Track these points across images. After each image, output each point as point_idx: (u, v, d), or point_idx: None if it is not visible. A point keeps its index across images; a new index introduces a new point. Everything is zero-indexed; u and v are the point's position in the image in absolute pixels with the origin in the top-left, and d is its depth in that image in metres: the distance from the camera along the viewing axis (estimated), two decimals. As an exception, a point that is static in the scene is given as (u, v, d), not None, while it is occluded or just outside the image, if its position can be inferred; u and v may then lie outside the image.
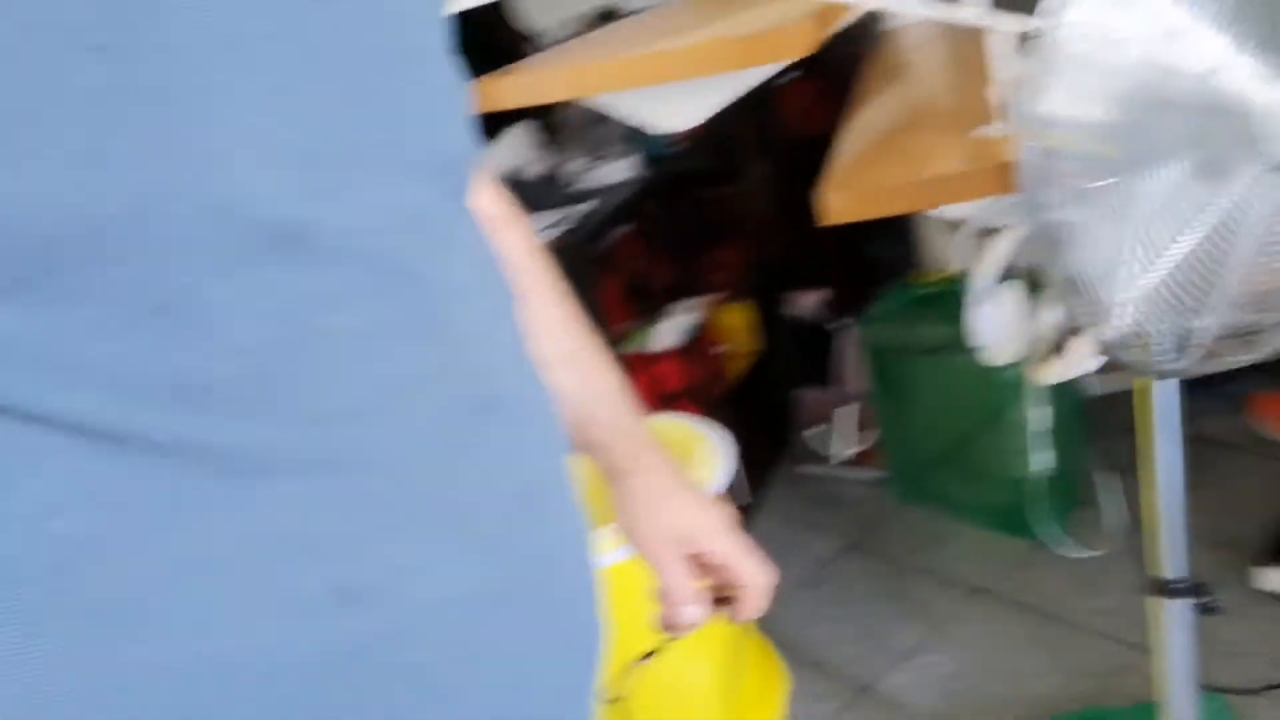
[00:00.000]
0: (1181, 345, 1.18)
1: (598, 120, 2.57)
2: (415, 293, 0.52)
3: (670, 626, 0.81)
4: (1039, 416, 2.30)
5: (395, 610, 0.50)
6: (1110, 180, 1.15)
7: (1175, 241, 1.13)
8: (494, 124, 2.53)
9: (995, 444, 2.35)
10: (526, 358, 0.62)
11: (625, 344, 2.22)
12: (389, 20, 0.53)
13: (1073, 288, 1.26)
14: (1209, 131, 1.03)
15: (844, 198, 1.36)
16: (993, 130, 1.43)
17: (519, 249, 0.76)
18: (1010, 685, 1.99)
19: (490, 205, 0.74)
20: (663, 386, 2.16)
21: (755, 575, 0.82)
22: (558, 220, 2.17)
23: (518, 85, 1.50)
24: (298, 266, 0.47)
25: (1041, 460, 2.33)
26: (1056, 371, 1.41)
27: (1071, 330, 1.41)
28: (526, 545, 0.57)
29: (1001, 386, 2.30)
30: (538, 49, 2.51)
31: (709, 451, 1.49)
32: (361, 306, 0.50)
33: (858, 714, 2.02)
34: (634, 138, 2.51)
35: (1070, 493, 2.37)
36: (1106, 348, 1.22)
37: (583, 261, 2.08)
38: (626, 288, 2.27)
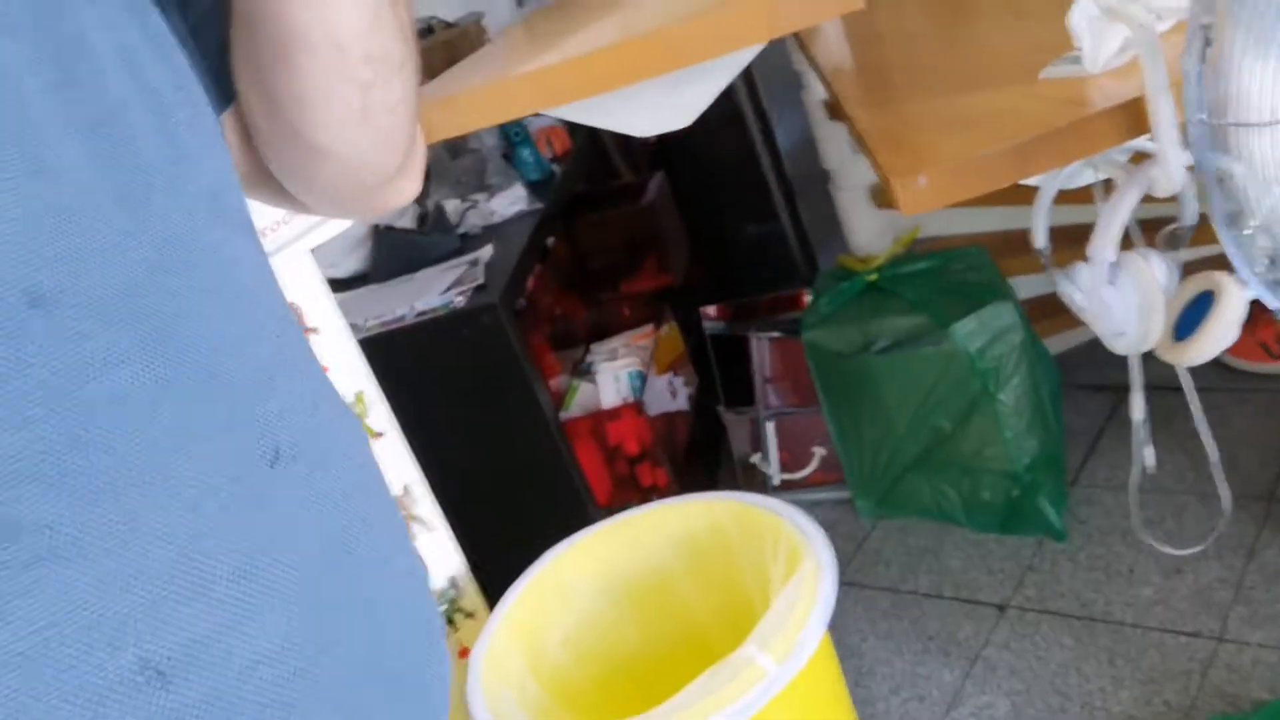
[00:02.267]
0: None
1: (457, 150, 2.19)
2: (184, 347, 0.51)
3: None
4: (1021, 399, 2.08)
5: (208, 679, 0.50)
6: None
7: None
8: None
9: (976, 438, 2.11)
10: (325, 399, 0.60)
11: (566, 406, 1.85)
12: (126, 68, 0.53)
13: (1257, 247, 0.99)
14: None
15: (932, 180, 1.06)
16: (1067, 67, 1.16)
17: None
18: (1085, 711, 1.74)
19: None
20: (624, 451, 1.82)
21: None
22: (458, 279, 1.78)
23: (462, 108, 1.12)
24: (56, 333, 0.47)
25: (1030, 446, 2.11)
26: (1200, 350, 1.14)
27: (1201, 296, 1.16)
28: (336, 594, 0.56)
29: (976, 373, 2.07)
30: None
31: (802, 546, 1.14)
32: (127, 368, 0.49)
33: (926, 785, 1.73)
34: (508, 166, 2.14)
35: (1061, 474, 2.16)
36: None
37: (507, 324, 1.70)
38: (550, 340, 1.90)
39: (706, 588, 1.25)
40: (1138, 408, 1.35)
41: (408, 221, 2.04)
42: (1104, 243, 1.10)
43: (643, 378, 1.91)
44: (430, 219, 2.01)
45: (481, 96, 1.14)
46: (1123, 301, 1.13)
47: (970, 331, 2.03)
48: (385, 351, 1.74)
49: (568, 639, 1.26)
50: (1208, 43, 0.96)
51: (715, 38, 1.04)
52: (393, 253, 1.95)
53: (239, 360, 0.54)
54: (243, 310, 0.56)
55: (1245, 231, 1.05)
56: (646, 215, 2.12)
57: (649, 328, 2.10)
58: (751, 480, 2.51)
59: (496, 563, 1.57)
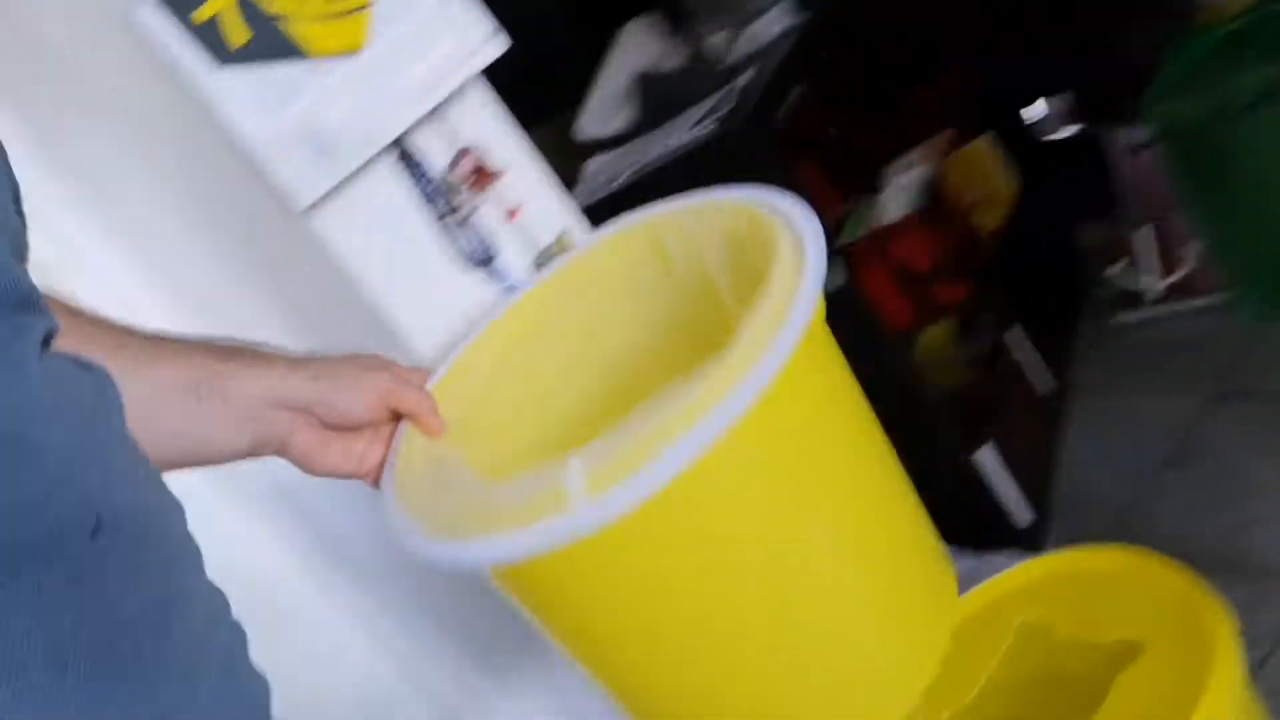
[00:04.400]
0: None
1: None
2: None
3: None
4: None
5: None
6: None
7: None
8: (605, 26, 2.06)
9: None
10: (138, 473, 0.59)
11: (847, 231, 1.69)
12: None
13: None
14: None
15: None
16: None
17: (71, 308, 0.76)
18: None
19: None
20: (910, 266, 1.63)
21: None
22: (712, 107, 1.67)
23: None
24: None
25: None
26: None
27: None
28: (157, 670, 0.54)
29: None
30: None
31: (785, 237, 0.78)
32: None
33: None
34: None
35: None
36: None
37: (759, 145, 1.57)
38: (824, 164, 1.74)
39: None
40: None
41: (675, 63, 1.94)
42: None
43: (932, 186, 1.70)
44: (695, 57, 1.90)
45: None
46: None
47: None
48: (642, 200, 1.67)
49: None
50: None
51: None
52: (658, 99, 1.87)
53: (50, 431, 0.53)
54: (44, 385, 0.55)
55: None
56: (932, 8, 1.86)
57: (947, 134, 1.86)
58: (1116, 299, 2.21)
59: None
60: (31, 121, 1.25)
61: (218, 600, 0.62)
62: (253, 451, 0.79)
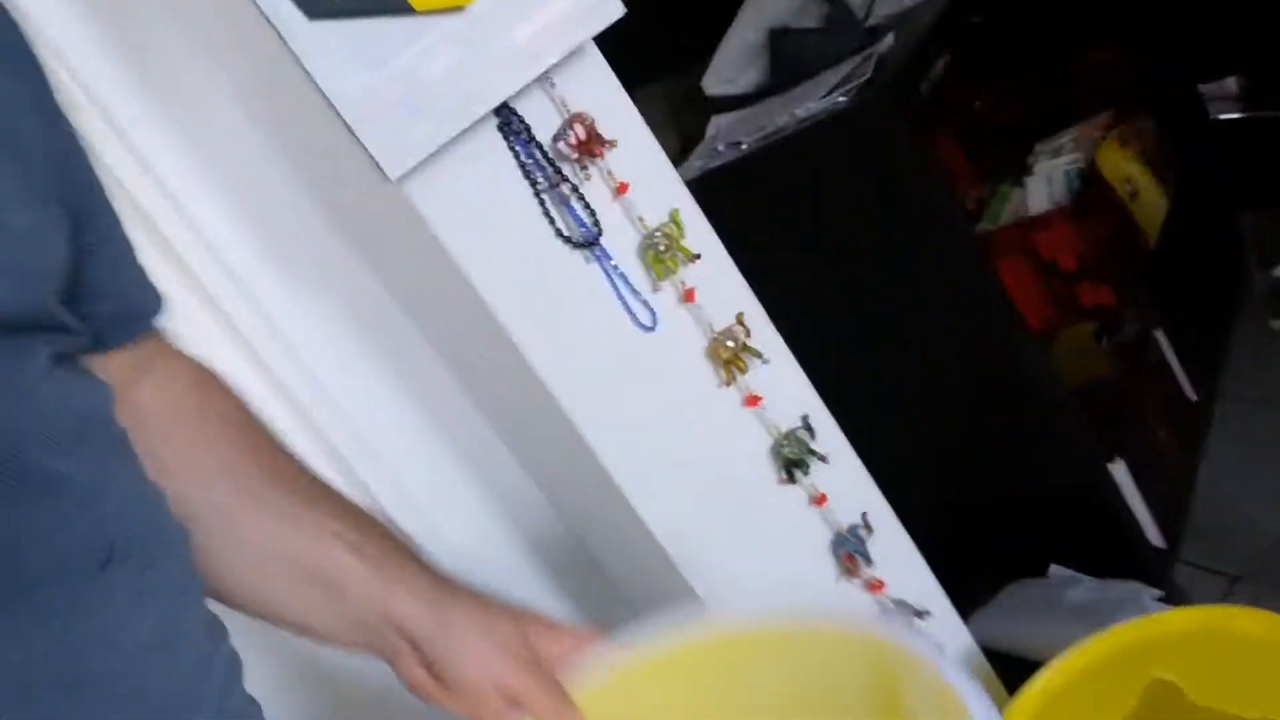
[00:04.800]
0: None
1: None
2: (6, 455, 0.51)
3: None
4: None
5: None
6: None
7: None
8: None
9: None
10: (149, 499, 0.59)
11: (985, 218, 1.56)
12: None
13: None
14: None
15: None
16: None
17: (227, 412, 0.72)
18: None
19: (183, 368, 0.72)
20: (1056, 262, 1.50)
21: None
22: (848, 75, 1.54)
23: None
24: None
25: None
26: None
27: None
28: (162, 697, 0.55)
29: None
30: None
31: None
32: None
33: None
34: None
35: None
36: None
37: (897, 120, 1.45)
38: (963, 140, 1.60)
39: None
40: None
41: (811, 20, 1.81)
42: None
43: (1084, 177, 1.55)
44: (834, 15, 1.77)
45: None
46: None
47: None
48: (766, 168, 1.57)
49: None
50: None
51: None
52: (791, 58, 1.74)
53: (67, 463, 0.53)
54: (63, 416, 0.55)
55: None
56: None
57: (1105, 115, 1.70)
58: (1276, 297, 2.02)
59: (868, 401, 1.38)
60: (136, 63, 1.21)
61: (217, 628, 0.62)
62: (361, 652, 0.72)
